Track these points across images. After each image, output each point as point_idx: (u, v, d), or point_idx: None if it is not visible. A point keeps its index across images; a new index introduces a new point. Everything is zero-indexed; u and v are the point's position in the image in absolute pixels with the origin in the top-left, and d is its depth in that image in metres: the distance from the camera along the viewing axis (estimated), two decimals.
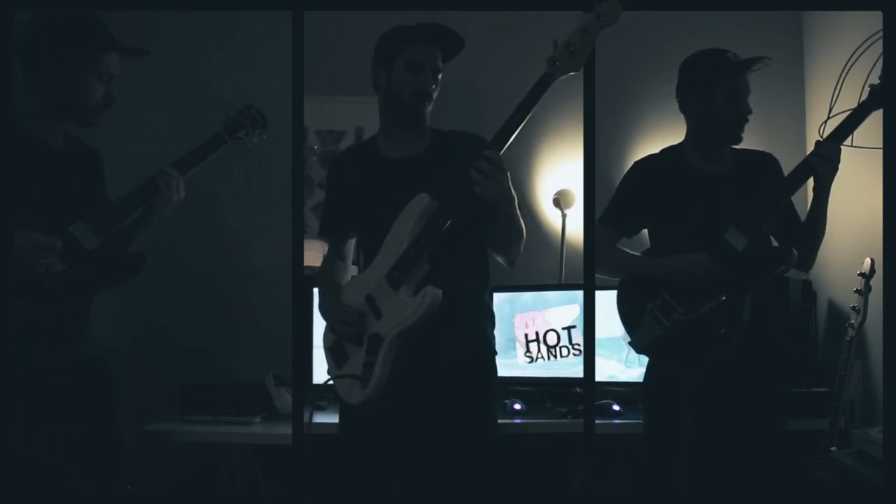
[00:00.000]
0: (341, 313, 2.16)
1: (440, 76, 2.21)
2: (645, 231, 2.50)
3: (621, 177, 2.51)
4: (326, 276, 2.33)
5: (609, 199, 2.50)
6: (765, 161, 2.43)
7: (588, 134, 2.27)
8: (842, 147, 2.24)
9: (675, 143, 2.48)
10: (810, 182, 2.28)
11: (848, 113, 2.25)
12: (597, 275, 2.34)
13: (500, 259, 2.27)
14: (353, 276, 2.34)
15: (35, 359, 2.01)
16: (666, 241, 2.37)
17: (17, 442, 2.00)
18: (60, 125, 2.15)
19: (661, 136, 2.85)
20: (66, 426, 2.07)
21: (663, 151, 2.48)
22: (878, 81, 2.22)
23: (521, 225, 2.17)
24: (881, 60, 2.14)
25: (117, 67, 2.14)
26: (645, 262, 2.39)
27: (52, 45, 2.05)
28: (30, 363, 2.00)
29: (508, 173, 2.04)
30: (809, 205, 2.34)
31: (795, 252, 2.25)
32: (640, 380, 2.47)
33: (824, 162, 2.22)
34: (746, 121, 2.35)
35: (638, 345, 2.35)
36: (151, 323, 3.17)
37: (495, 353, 2.30)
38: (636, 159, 2.53)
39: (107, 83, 2.12)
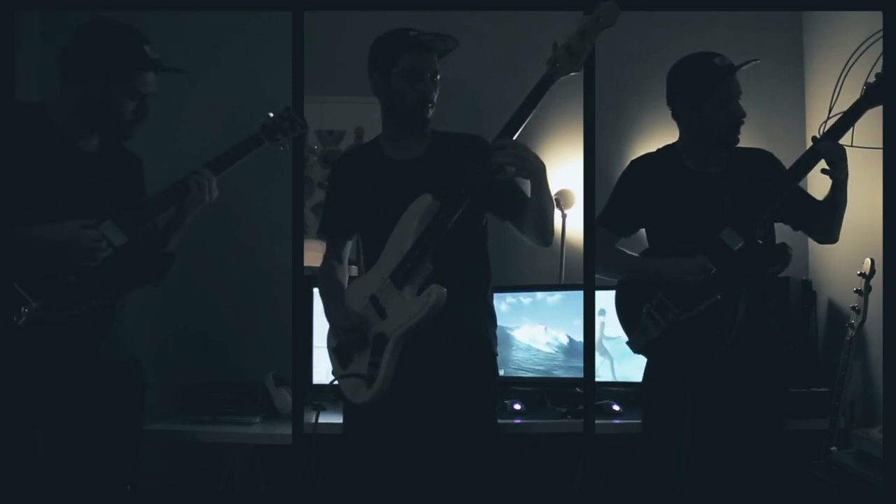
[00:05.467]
0: (343, 320, 2.16)
1: (439, 77, 2.21)
2: (643, 230, 2.50)
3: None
4: (326, 279, 2.33)
5: (607, 199, 2.49)
6: (762, 158, 2.41)
7: (588, 134, 2.28)
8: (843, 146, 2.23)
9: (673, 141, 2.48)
10: (813, 182, 2.27)
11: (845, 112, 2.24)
12: (597, 275, 2.34)
13: (533, 241, 2.24)
14: (356, 278, 2.34)
15: (57, 361, 2.00)
16: (663, 242, 2.37)
17: (37, 445, 2.01)
18: (96, 132, 2.15)
19: (661, 135, 2.84)
20: (84, 431, 2.07)
21: (660, 150, 2.46)
22: (874, 80, 2.22)
23: (552, 199, 2.16)
24: (881, 60, 2.14)
25: (153, 86, 2.10)
26: (643, 263, 2.39)
27: (89, 57, 2.04)
28: (52, 365, 2.00)
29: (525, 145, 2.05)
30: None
31: (791, 250, 2.24)
32: (640, 380, 2.46)
33: (830, 150, 2.20)
34: (741, 124, 2.32)
35: (636, 345, 2.35)
36: (150, 323, 3.16)
37: (496, 353, 2.31)
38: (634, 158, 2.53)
39: (140, 100, 2.09)
